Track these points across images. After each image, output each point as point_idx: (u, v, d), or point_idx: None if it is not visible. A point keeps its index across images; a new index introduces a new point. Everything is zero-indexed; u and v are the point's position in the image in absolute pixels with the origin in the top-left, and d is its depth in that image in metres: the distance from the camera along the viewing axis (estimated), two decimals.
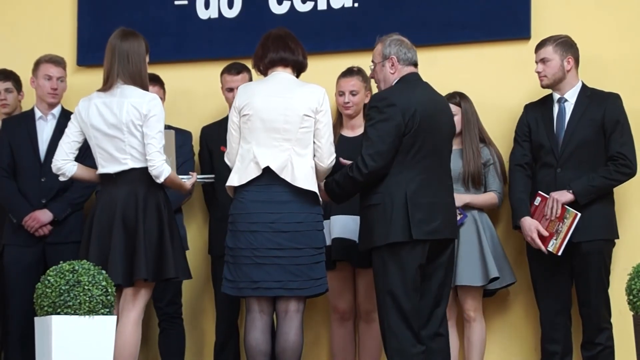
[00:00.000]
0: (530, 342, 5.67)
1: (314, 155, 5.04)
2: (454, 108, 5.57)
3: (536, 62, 5.45)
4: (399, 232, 4.90)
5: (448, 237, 5.04)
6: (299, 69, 5.13)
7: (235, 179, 4.99)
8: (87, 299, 4.53)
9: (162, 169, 4.99)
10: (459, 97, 5.62)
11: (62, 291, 4.52)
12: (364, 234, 5.04)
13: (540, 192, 5.32)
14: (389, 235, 4.91)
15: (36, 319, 4.65)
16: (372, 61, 5.20)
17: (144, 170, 5.01)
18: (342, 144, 5.63)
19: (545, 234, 5.28)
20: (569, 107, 5.43)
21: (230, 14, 6.21)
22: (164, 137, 5.04)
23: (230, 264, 4.97)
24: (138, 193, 5.00)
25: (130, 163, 5.01)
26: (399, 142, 4.94)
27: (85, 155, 5.22)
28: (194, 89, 6.24)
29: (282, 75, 5.07)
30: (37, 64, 5.93)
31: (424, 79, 5.87)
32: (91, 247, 4.99)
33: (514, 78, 5.78)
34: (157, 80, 5.90)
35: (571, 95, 5.44)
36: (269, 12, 6.11)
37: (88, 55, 6.32)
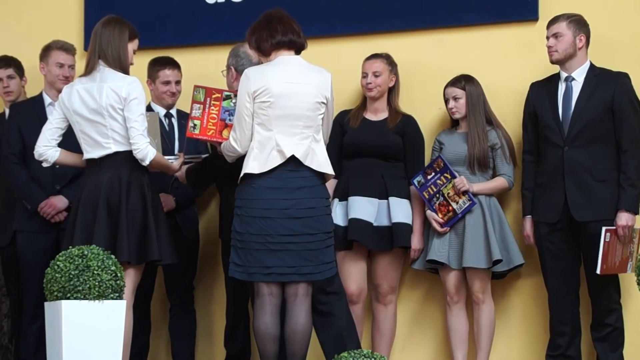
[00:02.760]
0: (539, 323, 5.67)
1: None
2: (458, 92, 5.58)
3: (547, 37, 5.42)
4: None
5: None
6: (300, 51, 5.13)
7: (255, 167, 4.92)
8: (97, 283, 4.54)
9: (146, 151, 5.01)
10: (464, 81, 5.61)
11: (71, 276, 4.53)
12: None
13: (605, 227, 5.20)
14: None
15: (46, 304, 4.66)
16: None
17: (128, 154, 5.04)
18: (363, 127, 5.73)
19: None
20: (576, 86, 5.40)
21: None
22: (146, 119, 5.07)
23: (239, 249, 4.96)
24: (122, 176, 5.03)
25: (114, 147, 5.05)
26: None
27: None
28: (202, 73, 6.20)
29: (292, 60, 5.03)
30: (48, 50, 5.90)
31: (432, 61, 5.90)
32: (76, 232, 5.01)
33: (522, 60, 5.76)
34: (173, 64, 5.93)
35: (579, 74, 5.41)
36: None
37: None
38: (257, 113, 4.94)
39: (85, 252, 4.60)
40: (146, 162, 5.05)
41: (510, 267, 5.52)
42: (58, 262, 4.59)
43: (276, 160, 4.90)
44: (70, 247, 4.73)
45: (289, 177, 4.92)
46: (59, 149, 5.18)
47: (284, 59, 5.03)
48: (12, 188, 5.88)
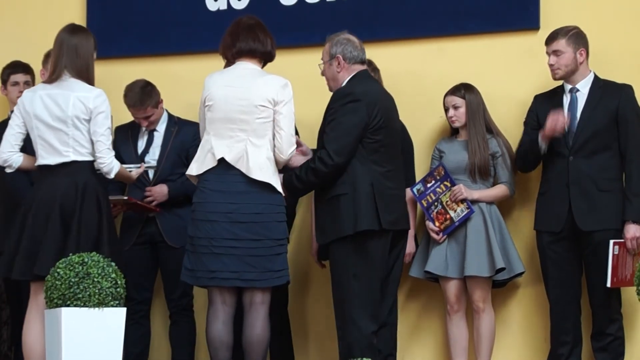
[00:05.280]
0: (539, 333, 5.66)
1: (274, 147, 5.06)
2: (458, 100, 5.58)
3: (547, 54, 5.42)
4: (369, 221, 4.98)
5: (405, 228, 5.24)
6: (266, 60, 5.17)
7: (194, 168, 5.08)
8: (97, 291, 4.56)
9: (112, 165, 5.09)
10: (463, 90, 5.61)
11: (71, 283, 4.55)
12: (329, 225, 5.06)
13: (613, 240, 5.20)
14: (358, 223, 4.97)
15: (46, 311, 4.68)
16: (322, 59, 5.30)
17: (85, 163, 5.08)
18: None
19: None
20: (581, 97, 5.41)
21: (239, 5, 6.20)
22: (112, 133, 5.13)
23: (190, 253, 5.03)
24: (78, 184, 5.04)
25: (72, 156, 5.07)
26: (362, 136, 5.03)
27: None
28: (203, 81, 6.23)
29: (244, 65, 5.10)
30: (50, 56, 5.90)
31: (433, 69, 5.90)
32: (24, 237, 4.99)
33: (523, 68, 5.76)
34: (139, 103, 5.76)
35: (583, 86, 5.42)
36: (277, 4, 6.10)
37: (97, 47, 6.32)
38: (206, 118, 5.08)
39: (86, 260, 4.61)
40: (111, 175, 5.13)
41: (511, 276, 5.52)
42: (58, 270, 4.60)
43: (210, 163, 5.01)
44: (11, 249, 4.89)
45: (235, 181, 4.97)
46: (22, 154, 5.20)
47: (239, 65, 5.11)
48: (12, 193, 5.87)
